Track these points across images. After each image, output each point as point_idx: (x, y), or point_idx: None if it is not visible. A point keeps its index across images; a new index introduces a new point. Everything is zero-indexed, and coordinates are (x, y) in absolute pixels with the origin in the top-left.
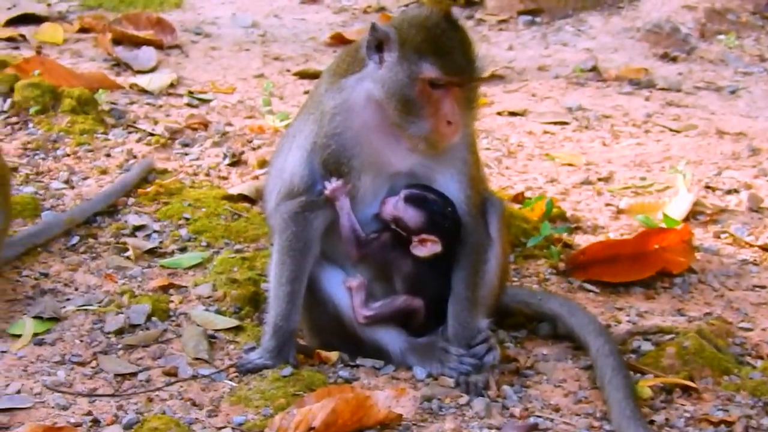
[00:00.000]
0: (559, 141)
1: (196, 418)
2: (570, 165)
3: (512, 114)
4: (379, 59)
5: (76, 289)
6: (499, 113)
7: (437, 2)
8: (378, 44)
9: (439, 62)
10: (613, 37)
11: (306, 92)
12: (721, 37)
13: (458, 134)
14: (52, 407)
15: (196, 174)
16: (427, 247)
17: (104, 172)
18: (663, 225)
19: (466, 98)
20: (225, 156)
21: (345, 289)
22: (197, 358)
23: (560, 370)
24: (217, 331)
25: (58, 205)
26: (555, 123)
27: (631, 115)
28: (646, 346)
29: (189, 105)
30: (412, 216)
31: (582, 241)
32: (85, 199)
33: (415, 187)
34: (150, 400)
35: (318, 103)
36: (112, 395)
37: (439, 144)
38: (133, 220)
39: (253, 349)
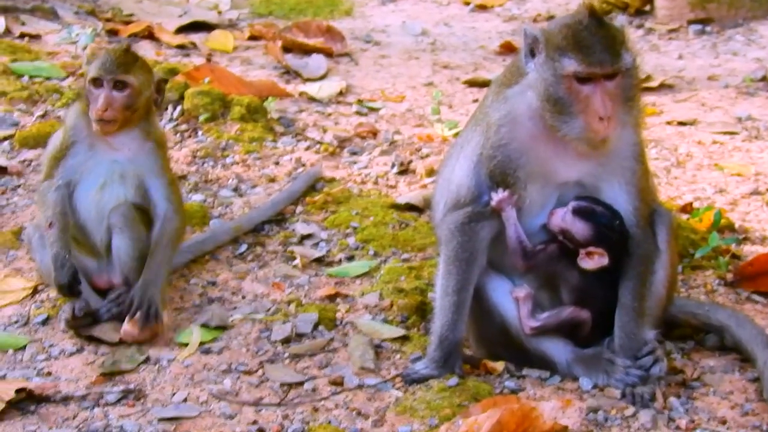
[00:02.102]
0: (728, 151)
1: (362, 428)
2: (739, 175)
3: (681, 124)
4: (533, 65)
5: (243, 298)
6: (668, 123)
7: (604, 10)
8: (531, 49)
9: (579, 56)
10: None
11: (475, 101)
12: None
13: (613, 130)
14: (218, 416)
15: (364, 182)
16: (594, 260)
17: (273, 180)
18: None
19: (622, 96)
20: (393, 165)
21: (512, 300)
22: (363, 368)
23: (727, 382)
24: (383, 340)
25: (227, 213)
26: (724, 133)
27: None
28: None
29: (358, 113)
30: (579, 228)
31: (750, 252)
32: (252, 207)
33: (583, 199)
34: (315, 409)
35: (485, 114)
36: (278, 404)
37: (596, 142)
38: (301, 228)
39: (419, 358)
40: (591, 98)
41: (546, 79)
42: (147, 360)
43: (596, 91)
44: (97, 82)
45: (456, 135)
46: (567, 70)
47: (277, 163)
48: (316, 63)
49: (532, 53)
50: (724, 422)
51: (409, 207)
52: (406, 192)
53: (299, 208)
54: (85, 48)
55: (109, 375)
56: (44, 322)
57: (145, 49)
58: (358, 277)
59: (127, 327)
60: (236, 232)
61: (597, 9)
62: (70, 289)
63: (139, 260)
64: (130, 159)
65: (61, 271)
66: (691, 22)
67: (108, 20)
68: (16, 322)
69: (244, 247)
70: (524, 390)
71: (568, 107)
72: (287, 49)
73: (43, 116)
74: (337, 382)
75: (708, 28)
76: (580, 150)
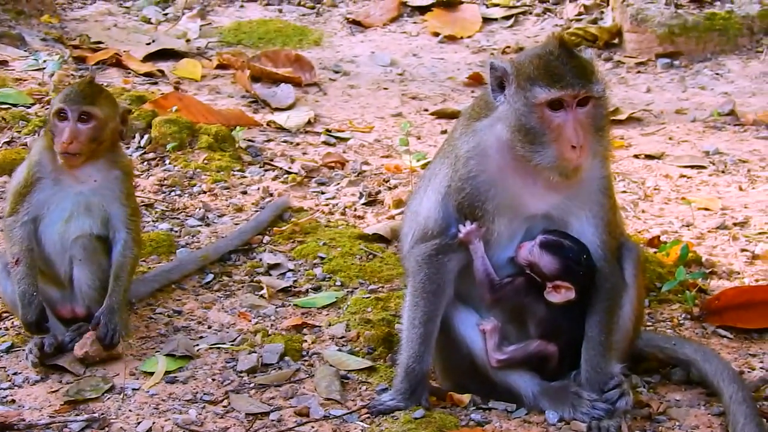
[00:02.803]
0: (695, 185)
1: None
2: (706, 209)
3: (649, 157)
4: (503, 97)
5: (210, 327)
6: (636, 156)
7: (573, 42)
8: (500, 82)
9: (551, 82)
10: (752, 81)
11: (443, 132)
12: None
13: (586, 158)
14: None
15: (331, 213)
16: (561, 294)
17: (240, 209)
18: None
19: (593, 125)
20: (361, 195)
21: (478, 332)
22: (329, 399)
23: (693, 416)
24: (349, 371)
25: (193, 243)
26: (692, 167)
27: None
28: None
29: (326, 143)
30: (547, 262)
31: (717, 286)
32: (219, 237)
33: (551, 233)
34: None
35: (453, 147)
36: None
37: (568, 171)
38: (268, 258)
39: (385, 390)
40: (563, 127)
41: (517, 109)
42: (112, 389)
43: (568, 119)
44: (61, 114)
45: (424, 166)
46: (539, 99)
47: (244, 193)
48: (285, 92)
49: (500, 86)
50: None
51: (377, 238)
52: (374, 223)
53: (266, 238)
54: (52, 75)
55: (74, 403)
56: (8, 350)
57: (113, 77)
58: (324, 307)
59: (82, 347)
60: (203, 261)
61: (566, 40)
62: (37, 326)
63: (101, 291)
64: (96, 189)
65: (29, 308)
66: (659, 56)
67: (76, 47)
68: None
69: (210, 277)
70: (490, 422)
71: (540, 137)
72: (256, 78)
73: (9, 143)
74: (303, 413)
75: (676, 62)
76: (552, 180)
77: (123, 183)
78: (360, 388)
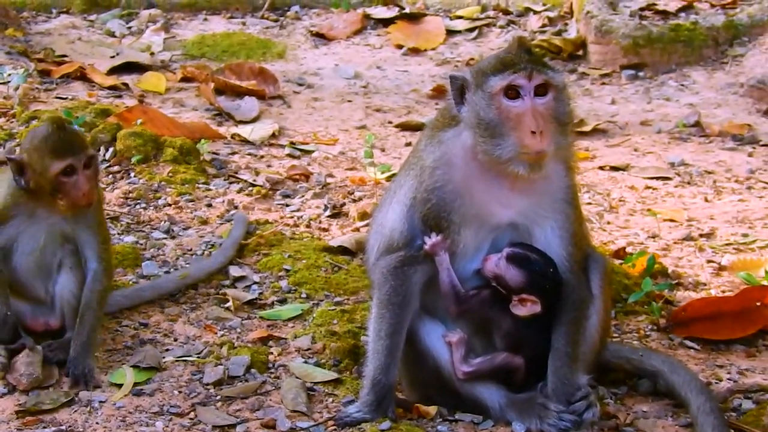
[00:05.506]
0: (661, 196)
1: None
2: (672, 221)
3: (614, 168)
4: (465, 106)
5: (176, 340)
6: (601, 167)
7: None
8: (461, 92)
9: (503, 69)
10: (717, 92)
11: (408, 144)
12: None
13: (547, 144)
14: None
15: (296, 225)
16: (526, 307)
17: (205, 222)
18: (765, 282)
19: (554, 117)
20: (326, 207)
21: (445, 344)
22: (295, 411)
23: (660, 427)
24: (315, 383)
25: (159, 255)
26: (657, 178)
27: (734, 171)
28: (747, 405)
29: (290, 156)
30: (513, 275)
31: (683, 297)
32: (196, 258)
33: (517, 246)
34: None
35: (418, 158)
36: None
37: (532, 160)
38: (234, 271)
39: (351, 402)
40: (522, 115)
41: (477, 104)
42: (78, 401)
43: (526, 106)
44: (68, 170)
45: (389, 179)
46: (495, 87)
47: (209, 206)
48: (249, 105)
49: (461, 96)
50: None
51: (342, 250)
52: (339, 235)
53: None
54: (17, 88)
55: (38, 415)
56: None
57: (77, 90)
58: (290, 320)
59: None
60: (182, 279)
61: (526, 41)
62: (11, 344)
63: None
64: (68, 218)
65: (3, 327)
66: (624, 68)
67: (40, 60)
68: None
69: None
70: None
71: (500, 128)
72: (220, 91)
73: None
74: (270, 425)
75: (641, 74)
76: (519, 173)
77: (94, 211)
78: (326, 400)
